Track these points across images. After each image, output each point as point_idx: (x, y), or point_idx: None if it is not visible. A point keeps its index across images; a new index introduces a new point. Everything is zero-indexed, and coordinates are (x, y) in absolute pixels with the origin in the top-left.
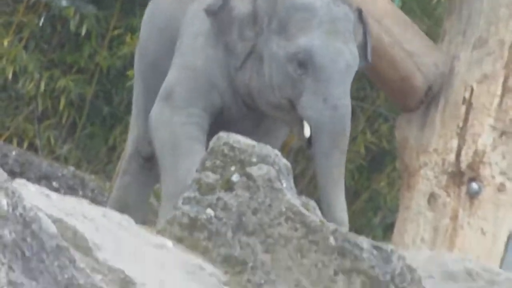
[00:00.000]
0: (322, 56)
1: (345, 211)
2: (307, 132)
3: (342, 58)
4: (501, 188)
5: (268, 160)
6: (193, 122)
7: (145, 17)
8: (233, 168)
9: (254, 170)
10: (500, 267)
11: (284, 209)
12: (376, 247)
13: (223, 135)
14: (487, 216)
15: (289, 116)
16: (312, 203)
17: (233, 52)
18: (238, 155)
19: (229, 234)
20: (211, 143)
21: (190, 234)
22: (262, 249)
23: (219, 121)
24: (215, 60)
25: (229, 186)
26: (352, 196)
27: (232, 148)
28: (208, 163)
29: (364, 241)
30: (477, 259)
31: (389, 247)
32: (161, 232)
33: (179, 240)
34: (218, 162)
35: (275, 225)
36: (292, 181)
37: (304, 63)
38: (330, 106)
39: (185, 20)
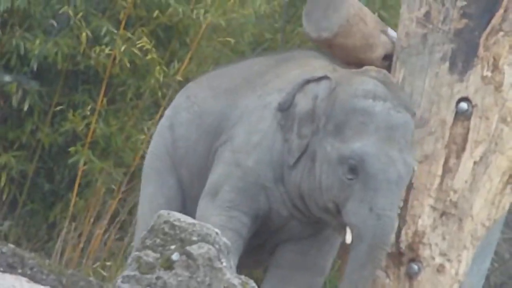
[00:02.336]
0: (373, 164)
1: None
2: (348, 238)
3: (394, 169)
4: (440, 269)
5: (208, 239)
6: (232, 228)
7: (184, 116)
8: (173, 247)
9: (194, 249)
10: None
11: None
12: None
13: (163, 213)
14: None
15: (334, 220)
16: (251, 283)
17: (289, 149)
18: (179, 233)
19: None
20: (151, 221)
21: None
22: None
23: (268, 225)
24: (269, 162)
25: (169, 265)
26: None
27: (173, 226)
28: (148, 242)
29: None
30: None
31: None
32: None
33: None
34: (158, 240)
35: None
36: (231, 260)
37: (355, 168)
38: (374, 216)
39: (234, 114)
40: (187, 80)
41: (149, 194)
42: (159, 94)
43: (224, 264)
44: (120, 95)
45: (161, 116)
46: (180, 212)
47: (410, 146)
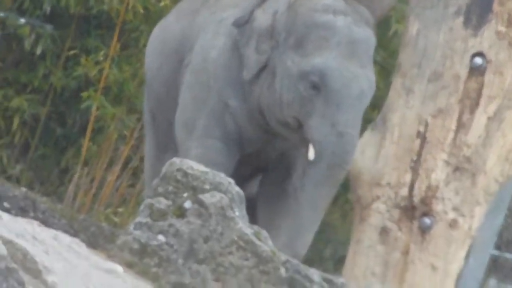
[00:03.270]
0: (335, 80)
1: (306, 246)
2: (311, 154)
3: (357, 84)
4: (453, 224)
5: (221, 187)
6: (211, 159)
7: (152, 46)
8: (185, 195)
9: (206, 198)
10: None
11: (235, 238)
12: (326, 280)
13: (176, 160)
14: (438, 252)
15: (296, 136)
16: (264, 233)
17: (246, 64)
18: (191, 181)
19: (180, 261)
20: (164, 169)
21: (141, 260)
22: (212, 277)
23: (243, 155)
24: (227, 78)
25: (181, 213)
26: None
27: (185, 174)
28: (160, 189)
29: (315, 274)
30: None
31: (339, 280)
32: (111, 257)
33: (129, 265)
34: (170, 188)
35: (226, 253)
36: (244, 209)
37: (316, 84)
38: (336, 132)
39: (192, 33)
40: None
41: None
42: None
43: (237, 213)
44: (133, 41)
45: None
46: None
47: (372, 62)
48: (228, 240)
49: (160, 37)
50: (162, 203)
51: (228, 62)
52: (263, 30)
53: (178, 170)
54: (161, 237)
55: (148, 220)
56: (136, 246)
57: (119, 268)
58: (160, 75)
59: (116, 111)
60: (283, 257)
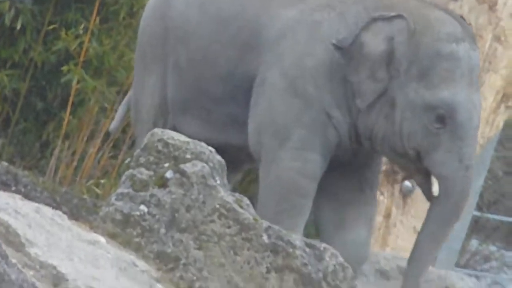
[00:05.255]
0: (462, 114)
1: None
2: (436, 189)
3: (476, 114)
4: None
5: (202, 157)
6: (307, 174)
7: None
8: (167, 165)
9: (188, 167)
10: (433, 265)
11: (217, 206)
12: (309, 245)
13: (157, 131)
14: (419, 215)
15: (412, 166)
16: (246, 200)
17: (359, 92)
18: (172, 151)
19: (162, 230)
20: (145, 139)
21: (123, 230)
22: (195, 246)
23: None
24: (330, 89)
25: (163, 183)
26: None
27: (166, 144)
28: (142, 160)
29: (297, 239)
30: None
31: (322, 245)
32: (94, 229)
33: (112, 236)
34: (152, 158)
35: (208, 222)
36: (226, 178)
37: (442, 117)
38: (464, 166)
39: (272, 26)
40: None
41: (152, 85)
42: None
43: (218, 182)
44: (113, 14)
45: None
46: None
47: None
48: (210, 209)
49: (207, 9)
50: (144, 173)
51: (329, 74)
52: (378, 57)
53: (159, 140)
54: (143, 207)
55: (130, 190)
56: (118, 217)
57: (102, 239)
58: (197, 29)
59: (97, 84)
60: (265, 223)
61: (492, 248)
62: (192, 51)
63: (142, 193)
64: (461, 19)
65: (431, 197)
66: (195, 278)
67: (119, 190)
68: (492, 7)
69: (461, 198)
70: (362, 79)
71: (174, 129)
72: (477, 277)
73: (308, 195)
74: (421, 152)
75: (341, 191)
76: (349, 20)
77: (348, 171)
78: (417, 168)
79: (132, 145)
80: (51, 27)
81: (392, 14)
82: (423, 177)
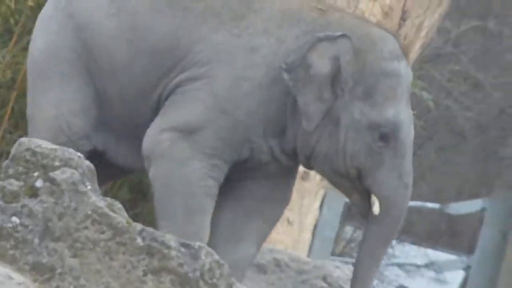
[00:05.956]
0: (405, 131)
1: None
2: (376, 209)
3: (412, 130)
4: (304, 176)
5: (71, 163)
6: (214, 176)
7: (104, 21)
8: (36, 174)
9: (57, 175)
10: (308, 255)
11: (90, 212)
12: (184, 245)
13: (24, 140)
14: (292, 206)
15: (350, 185)
16: (117, 204)
17: (306, 113)
18: (41, 160)
19: (36, 241)
20: (13, 150)
21: None
22: (70, 254)
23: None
24: (262, 116)
25: (33, 192)
26: None
27: (34, 153)
28: (11, 170)
29: (172, 239)
30: (285, 250)
31: (196, 243)
32: None
33: None
34: (21, 168)
35: (81, 228)
36: (96, 183)
37: (386, 135)
38: (403, 184)
39: (200, 48)
40: (39, 5)
41: (54, 98)
42: (12, 21)
43: (89, 187)
44: None
45: (16, 43)
46: (95, 124)
47: None
48: (83, 215)
49: (124, 22)
50: (14, 184)
51: (265, 100)
52: (324, 77)
53: (27, 149)
54: (15, 219)
55: (1, 202)
56: None
57: None
58: (132, 68)
59: None
60: (139, 226)
61: None
62: (123, 86)
63: (13, 205)
64: (395, 35)
65: (368, 215)
66: (72, 286)
67: None
68: None
69: (400, 216)
70: (310, 100)
71: (103, 152)
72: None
73: (213, 196)
74: (363, 171)
75: (247, 201)
76: (289, 45)
77: (261, 182)
78: (356, 187)
79: (0, 157)
80: None
81: (337, 34)
82: (361, 196)
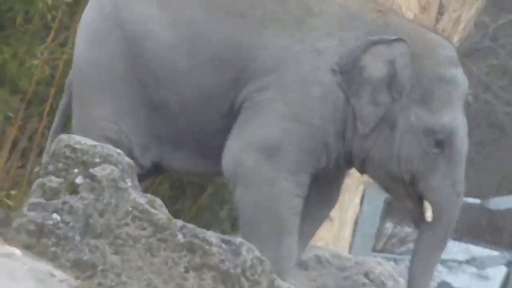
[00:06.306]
0: (459, 138)
1: None
2: (429, 215)
3: (467, 138)
4: None
5: (111, 159)
6: (300, 194)
7: (157, 31)
8: (76, 170)
9: (97, 171)
10: (349, 252)
11: (130, 209)
12: (225, 241)
13: (63, 137)
14: None
15: (404, 191)
16: (158, 201)
17: (361, 117)
18: (81, 156)
19: (77, 238)
20: (52, 146)
21: (38, 240)
22: (111, 251)
23: None
24: (333, 118)
25: (73, 189)
26: (197, 190)
27: (74, 149)
28: (50, 167)
29: (213, 236)
30: (326, 246)
31: (237, 240)
32: (8, 241)
33: (27, 247)
34: (60, 165)
35: (122, 225)
36: (136, 179)
37: (441, 141)
38: (455, 192)
39: (265, 55)
40: (76, 1)
41: (111, 114)
42: (49, 17)
43: (129, 184)
44: (10, 21)
45: (53, 39)
46: (151, 135)
47: None
48: (123, 212)
49: (181, 31)
50: (54, 181)
51: (335, 102)
52: (379, 81)
53: (66, 146)
54: (56, 216)
55: (42, 200)
56: (32, 227)
57: (17, 251)
58: (194, 80)
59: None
60: (179, 222)
61: (408, 229)
62: (186, 96)
63: (54, 201)
64: (452, 42)
65: (420, 222)
66: (114, 283)
67: (31, 200)
68: None
69: (451, 223)
70: (364, 103)
71: (159, 163)
72: (395, 260)
73: (299, 214)
74: (417, 177)
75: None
76: (350, 46)
77: (313, 184)
78: (409, 193)
79: (40, 153)
80: None
81: (392, 37)
82: (414, 202)
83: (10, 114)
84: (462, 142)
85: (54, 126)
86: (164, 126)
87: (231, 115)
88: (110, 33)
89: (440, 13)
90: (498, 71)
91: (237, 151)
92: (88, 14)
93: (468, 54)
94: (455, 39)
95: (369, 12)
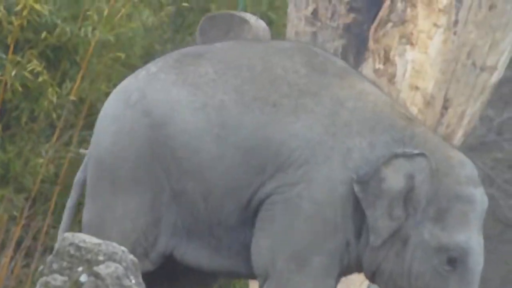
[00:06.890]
0: (473, 259)
1: None
2: None
3: (482, 259)
4: None
5: (115, 257)
6: None
7: (188, 117)
8: (80, 269)
9: (101, 269)
10: None
11: None
12: None
13: (68, 235)
14: None
15: None
16: None
17: (374, 228)
18: (85, 254)
19: None
20: (56, 245)
21: None
22: None
23: None
24: (353, 217)
25: (77, 287)
26: None
27: (78, 248)
28: (55, 266)
29: None
30: None
31: None
32: None
33: None
34: (65, 263)
35: None
36: (140, 277)
37: (453, 260)
38: None
39: (294, 144)
40: (80, 99)
41: (131, 210)
42: (54, 115)
43: (133, 281)
44: (15, 119)
45: (59, 138)
46: (169, 229)
47: None
48: None
49: (211, 118)
50: (58, 279)
51: (356, 202)
52: (397, 194)
53: (71, 244)
54: None
55: None
56: None
57: None
58: (222, 166)
59: (4, 192)
60: None
61: None
62: (210, 184)
63: None
64: (471, 163)
65: None
66: None
67: None
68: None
69: None
70: (379, 215)
71: (171, 255)
72: None
73: None
74: None
75: None
76: (379, 151)
77: None
78: None
79: (45, 252)
80: None
81: (415, 151)
82: None
83: (15, 213)
84: (476, 262)
85: (63, 225)
86: (180, 214)
87: (249, 208)
88: (137, 123)
89: (445, 107)
90: (503, 165)
91: (268, 251)
92: (113, 105)
93: (473, 148)
94: (460, 133)
95: (399, 119)
